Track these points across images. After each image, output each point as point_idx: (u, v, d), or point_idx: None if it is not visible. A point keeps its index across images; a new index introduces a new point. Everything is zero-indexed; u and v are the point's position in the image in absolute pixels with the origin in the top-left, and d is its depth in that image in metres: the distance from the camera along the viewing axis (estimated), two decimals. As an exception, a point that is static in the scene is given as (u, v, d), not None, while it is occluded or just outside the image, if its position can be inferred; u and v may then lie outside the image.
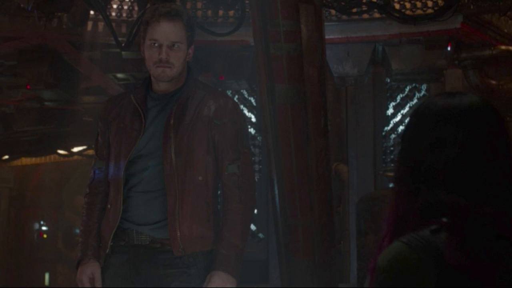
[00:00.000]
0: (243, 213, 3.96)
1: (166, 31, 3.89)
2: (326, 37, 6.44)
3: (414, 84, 8.56)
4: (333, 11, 7.47)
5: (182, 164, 3.87)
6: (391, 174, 8.05)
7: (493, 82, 8.14)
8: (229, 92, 8.50)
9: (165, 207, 3.88)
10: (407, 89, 8.66)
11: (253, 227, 8.44)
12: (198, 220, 3.90)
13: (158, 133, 3.93)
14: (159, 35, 3.89)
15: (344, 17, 7.53)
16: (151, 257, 3.90)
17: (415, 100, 8.59)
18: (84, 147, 12.95)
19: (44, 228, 17.60)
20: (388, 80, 8.50)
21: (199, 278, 3.90)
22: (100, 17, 7.34)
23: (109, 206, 4.00)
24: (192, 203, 3.88)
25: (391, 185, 7.55)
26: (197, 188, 3.91)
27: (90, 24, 7.87)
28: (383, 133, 8.67)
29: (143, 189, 3.92)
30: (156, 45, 3.90)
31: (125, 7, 7.91)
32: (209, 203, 3.97)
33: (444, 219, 1.81)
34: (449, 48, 7.68)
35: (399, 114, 8.66)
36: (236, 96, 8.77)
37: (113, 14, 7.84)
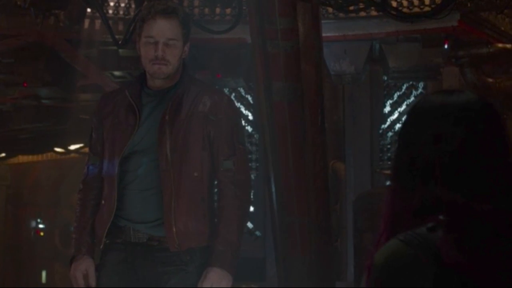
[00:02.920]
0: (239, 209, 3.96)
1: (162, 28, 3.89)
2: (323, 35, 6.44)
3: (411, 82, 8.56)
4: (330, 9, 7.47)
5: (177, 160, 3.87)
6: (388, 172, 8.05)
7: (490, 80, 8.15)
8: (226, 90, 8.49)
9: (161, 204, 3.88)
10: (404, 87, 8.66)
11: (250, 225, 8.44)
12: (194, 216, 3.90)
13: (153, 129, 3.93)
14: (155, 32, 3.89)
15: (341, 15, 7.53)
16: (149, 255, 3.90)
17: (412, 98, 8.59)
18: (81, 145, 12.92)
19: (41, 226, 17.58)
20: (385, 78, 8.50)
21: (197, 275, 3.90)
22: (97, 14, 7.34)
23: (103, 202, 3.99)
24: (188, 199, 3.89)
25: (388, 182, 7.54)
26: (193, 184, 3.91)
27: (87, 22, 7.87)
28: (380, 131, 8.67)
29: (139, 187, 3.91)
30: (152, 42, 3.90)
31: (122, 5, 7.91)
32: (205, 199, 3.97)
33: (441, 217, 1.81)
34: (446, 46, 7.69)
35: (396, 112, 8.66)
36: (233, 94, 8.76)
37: (110, 11, 7.83)
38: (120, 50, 7.74)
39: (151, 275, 3.89)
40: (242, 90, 8.84)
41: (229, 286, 3.93)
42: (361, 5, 6.94)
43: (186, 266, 3.90)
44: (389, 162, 8.46)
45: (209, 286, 3.86)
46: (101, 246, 3.96)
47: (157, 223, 3.89)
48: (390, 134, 8.65)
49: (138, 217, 3.90)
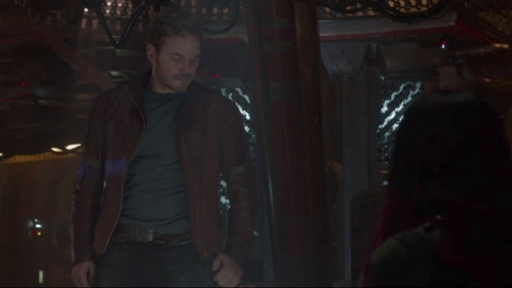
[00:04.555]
0: (252, 211, 4.09)
1: (190, 46, 3.92)
2: (321, 35, 6.44)
3: (408, 82, 8.56)
4: (327, 9, 7.47)
5: (198, 167, 3.92)
6: (385, 172, 8.05)
7: (487, 80, 8.15)
8: (223, 90, 8.49)
9: (173, 204, 3.92)
10: (401, 87, 8.66)
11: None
12: (213, 221, 3.97)
13: (163, 135, 3.95)
14: (184, 51, 3.91)
15: (339, 15, 7.53)
16: (156, 254, 3.91)
17: (409, 98, 8.59)
18: (79, 144, 12.90)
19: (38, 226, 17.55)
20: (383, 78, 8.50)
21: (204, 274, 3.94)
22: (94, 14, 7.33)
23: (106, 205, 4.00)
24: (208, 205, 3.94)
25: (385, 183, 7.55)
26: (210, 189, 3.98)
27: (84, 22, 7.86)
28: (378, 131, 8.67)
29: (149, 188, 3.93)
30: (178, 59, 3.91)
31: (119, 5, 7.91)
32: (217, 203, 4.12)
33: (438, 216, 1.81)
34: (443, 46, 7.69)
35: (393, 112, 8.66)
36: (231, 94, 8.76)
37: (107, 11, 7.82)
38: (117, 50, 7.73)
39: (158, 274, 3.91)
40: (239, 90, 8.84)
41: (239, 284, 4.01)
42: (358, 5, 6.94)
43: (193, 264, 3.93)
44: (387, 162, 8.46)
45: (223, 279, 3.93)
46: (103, 251, 3.96)
47: (167, 221, 3.92)
48: (387, 134, 8.65)
49: (147, 215, 3.92)
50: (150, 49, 3.99)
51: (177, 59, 3.92)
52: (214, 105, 4.03)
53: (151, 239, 3.91)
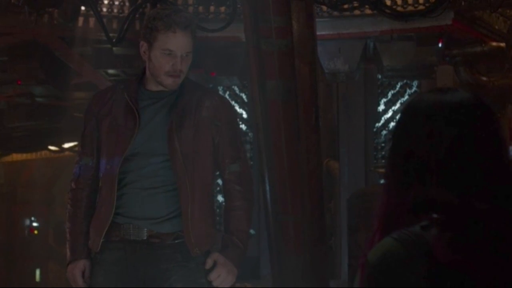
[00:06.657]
0: (247, 210, 4.06)
1: (181, 42, 3.90)
2: (318, 33, 6.44)
3: (405, 81, 8.57)
4: (324, 7, 7.47)
5: (191, 166, 3.91)
6: (382, 170, 8.06)
7: (484, 78, 8.16)
8: (220, 88, 8.50)
9: (167, 203, 3.91)
10: (398, 86, 8.68)
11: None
12: (205, 219, 3.96)
13: (157, 133, 3.94)
14: (175, 46, 3.90)
15: (336, 13, 7.53)
16: (150, 253, 3.91)
17: (406, 97, 8.61)
18: (75, 143, 12.90)
19: (35, 224, 17.57)
20: (380, 77, 8.51)
21: (199, 273, 3.93)
22: (91, 12, 7.33)
23: (100, 204, 3.99)
24: (201, 203, 3.93)
25: (382, 181, 7.56)
26: (204, 188, 3.97)
27: (81, 20, 7.86)
28: (374, 130, 8.68)
29: (143, 185, 3.92)
30: (169, 54, 3.90)
31: (116, 3, 7.91)
32: (212, 202, 4.07)
33: (435, 215, 1.81)
34: (440, 45, 7.70)
35: (390, 110, 8.67)
36: (228, 92, 8.76)
37: (104, 10, 7.83)
38: (114, 48, 7.74)
39: (153, 273, 3.91)
40: (236, 89, 8.84)
41: (233, 283, 4.00)
42: (356, 4, 6.95)
43: (187, 263, 3.92)
44: (383, 161, 8.48)
45: (216, 278, 3.93)
46: (98, 249, 3.96)
47: (161, 220, 3.91)
48: (384, 132, 8.66)
49: (141, 214, 3.91)
50: (143, 46, 3.99)
51: (167, 54, 3.91)
52: (208, 103, 4.02)
53: (145, 238, 3.91)
